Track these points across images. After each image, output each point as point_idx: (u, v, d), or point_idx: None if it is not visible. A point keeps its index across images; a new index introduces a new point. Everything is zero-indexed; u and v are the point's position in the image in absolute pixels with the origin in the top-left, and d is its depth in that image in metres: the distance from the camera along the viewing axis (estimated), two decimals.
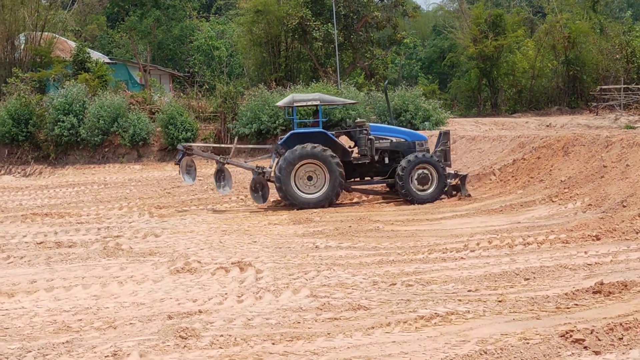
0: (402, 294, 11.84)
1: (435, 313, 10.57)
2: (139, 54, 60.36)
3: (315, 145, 22.37)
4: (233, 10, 61.59)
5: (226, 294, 12.33)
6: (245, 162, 25.72)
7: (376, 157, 23.38)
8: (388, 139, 23.71)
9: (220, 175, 23.61)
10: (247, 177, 27.47)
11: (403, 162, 22.64)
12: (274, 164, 22.99)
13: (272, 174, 22.89)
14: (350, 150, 23.58)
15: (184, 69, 67.43)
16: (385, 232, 18.02)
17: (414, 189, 22.55)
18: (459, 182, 23.21)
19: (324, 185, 22.41)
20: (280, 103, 24.64)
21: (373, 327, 10.08)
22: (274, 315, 10.88)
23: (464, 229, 17.84)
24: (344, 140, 24.83)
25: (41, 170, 38.72)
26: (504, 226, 17.88)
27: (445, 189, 22.98)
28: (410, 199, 22.54)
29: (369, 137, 23.24)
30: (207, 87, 52.45)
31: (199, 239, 17.76)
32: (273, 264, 14.52)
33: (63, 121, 39.13)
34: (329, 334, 9.89)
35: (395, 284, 12.50)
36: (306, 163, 22.39)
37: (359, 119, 24.20)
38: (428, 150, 23.63)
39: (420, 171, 22.59)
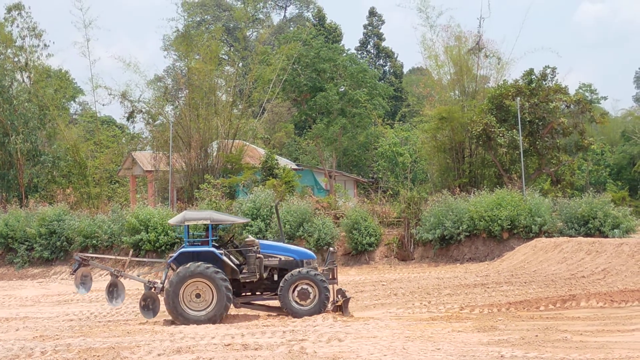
0: None
1: None
2: (325, 160, 61.87)
3: (201, 264, 22.66)
4: (417, 117, 62.33)
5: None
6: (139, 275, 26.68)
7: (265, 274, 23.70)
8: (277, 257, 24.03)
9: (114, 288, 24.05)
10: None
11: (284, 278, 23.17)
12: (165, 280, 23.52)
13: (162, 290, 23.31)
14: (240, 266, 23.76)
15: (368, 175, 68.45)
16: (573, 343, 17.42)
17: (294, 303, 23.02)
18: (342, 302, 23.38)
19: (211, 302, 22.60)
20: (171, 221, 24.80)
21: None
22: None
23: None
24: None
25: None
26: None
27: (328, 305, 23.36)
28: (291, 313, 22.99)
29: (258, 255, 23.61)
30: (391, 192, 52.95)
31: (382, 344, 17.66)
32: None
33: (251, 226, 40.27)
34: None
35: None
36: (194, 282, 22.63)
37: (249, 238, 24.59)
38: (316, 269, 23.82)
39: (300, 287, 23.05)
